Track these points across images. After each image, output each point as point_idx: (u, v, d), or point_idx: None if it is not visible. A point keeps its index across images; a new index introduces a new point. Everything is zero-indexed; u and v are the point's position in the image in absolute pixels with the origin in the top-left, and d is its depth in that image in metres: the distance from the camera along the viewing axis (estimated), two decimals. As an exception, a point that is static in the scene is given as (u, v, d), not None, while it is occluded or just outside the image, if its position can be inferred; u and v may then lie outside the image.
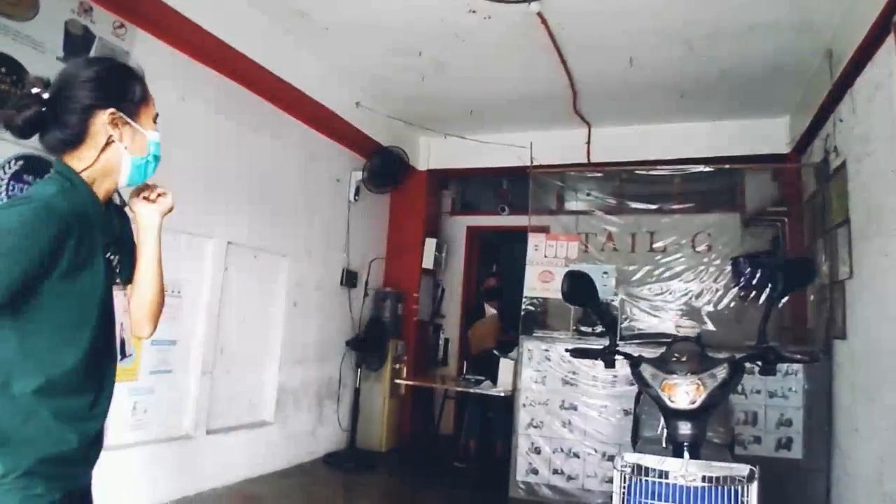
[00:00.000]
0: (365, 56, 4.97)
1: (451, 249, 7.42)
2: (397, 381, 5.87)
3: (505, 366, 5.19)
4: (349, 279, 6.07)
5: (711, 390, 1.88)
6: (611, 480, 4.56)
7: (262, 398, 5.12)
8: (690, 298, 5.37)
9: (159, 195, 1.59)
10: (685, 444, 1.90)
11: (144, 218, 1.56)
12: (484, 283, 6.52)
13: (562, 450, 4.80)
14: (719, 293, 5.44)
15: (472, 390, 5.21)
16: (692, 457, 1.89)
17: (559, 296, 5.14)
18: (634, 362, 2.04)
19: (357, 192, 6.16)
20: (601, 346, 2.21)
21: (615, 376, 4.75)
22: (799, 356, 1.95)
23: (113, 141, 1.42)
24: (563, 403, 4.82)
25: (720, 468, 1.68)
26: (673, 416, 1.92)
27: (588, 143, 6.24)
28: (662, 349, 2.14)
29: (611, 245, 6.04)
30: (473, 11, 4.14)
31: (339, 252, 6.00)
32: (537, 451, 4.84)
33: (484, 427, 5.88)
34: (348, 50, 4.89)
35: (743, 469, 1.68)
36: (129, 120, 1.45)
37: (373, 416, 6.13)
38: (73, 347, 1.35)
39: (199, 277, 4.41)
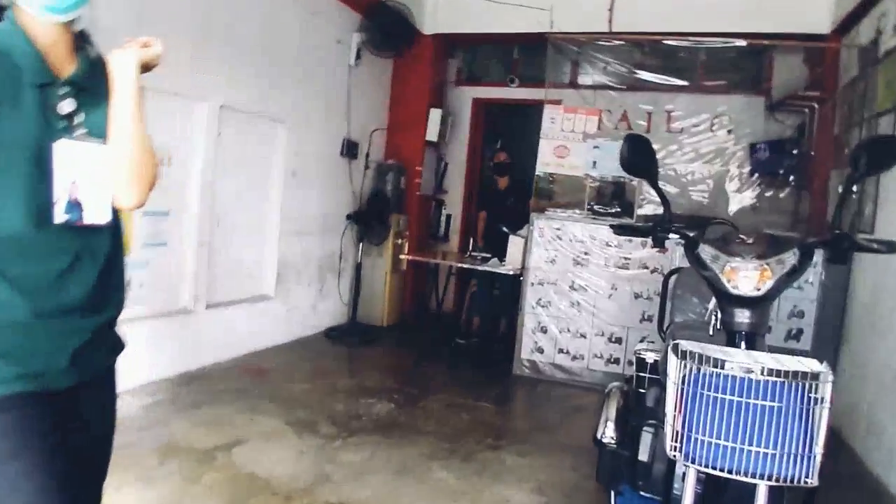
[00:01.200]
0: None
1: (456, 122, 7.02)
2: (401, 256, 5.70)
3: (514, 243, 5.00)
4: (350, 150, 5.75)
5: (779, 277, 1.66)
6: (615, 361, 4.64)
7: (262, 272, 4.96)
8: (714, 182, 5.10)
9: (144, 45, 1.34)
10: (743, 332, 1.72)
11: (115, 65, 1.30)
12: (493, 157, 6.19)
13: (568, 330, 4.73)
14: (741, 179, 5.19)
15: (479, 268, 5.05)
16: (749, 348, 1.71)
17: (574, 172, 4.99)
18: (691, 242, 1.81)
19: (358, 56, 5.69)
20: (650, 224, 1.96)
21: (627, 258, 4.59)
22: (876, 245, 1.71)
23: None
24: (573, 284, 4.69)
25: (791, 361, 1.50)
26: (733, 302, 1.72)
27: (611, 9, 5.71)
28: (692, 232, 1.90)
29: (625, 124, 5.71)
30: None
31: (339, 120, 5.63)
32: (543, 330, 4.77)
33: (488, 304, 5.80)
34: None
35: (816, 364, 1.50)
36: None
37: (374, 291, 6.03)
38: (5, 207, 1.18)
39: (190, 144, 4.10)
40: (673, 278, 2.83)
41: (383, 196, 5.98)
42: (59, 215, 1.25)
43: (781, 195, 5.39)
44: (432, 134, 6.41)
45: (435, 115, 6.41)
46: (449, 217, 7.15)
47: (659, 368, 2.59)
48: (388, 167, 6.20)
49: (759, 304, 1.72)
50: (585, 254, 4.65)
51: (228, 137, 4.39)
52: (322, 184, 5.48)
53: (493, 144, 7.68)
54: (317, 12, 5.11)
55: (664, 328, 2.81)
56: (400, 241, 6.14)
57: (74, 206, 1.27)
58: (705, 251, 1.79)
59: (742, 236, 1.79)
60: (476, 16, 6.03)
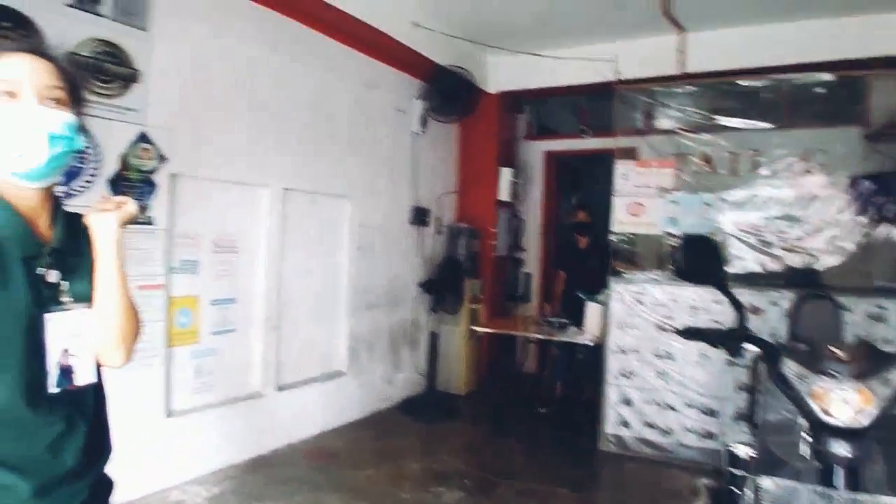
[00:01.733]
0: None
1: (529, 177, 6.85)
2: (475, 328, 5.49)
3: (592, 310, 4.70)
4: (419, 216, 5.67)
5: (884, 404, 1.36)
6: (710, 436, 4.19)
7: (333, 348, 4.89)
8: (804, 228, 4.61)
9: (119, 204, 1.35)
10: (842, 468, 1.41)
11: (97, 228, 1.33)
12: (573, 215, 5.92)
13: (655, 402, 4.35)
14: (842, 223, 4.66)
15: (555, 338, 4.76)
16: (850, 486, 1.40)
17: (651, 230, 4.66)
18: (771, 355, 1.53)
19: (423, 123, 5.65)
20: (723, 329, 1.69)
21: (716, 322, 4.18)
22: None
23: None
24: (657, 351, 4.33)
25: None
26: (827, 432, 1.42)
27: (681, 50, 5.41)
28: (773, 291, 1.60)
29: (707, 169, 5.31)
30: None
31: (406, 188, 5.57)
32: (627, 402, 4.42)
33: (570, 371, 5.48)
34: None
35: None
36: None
37: (451, 359, 5.85)
38: None
39: (255, 230, 4.12)
40: (761, 365, 2.49)
41: (456, 261, 5.84)
42: (53, 386, 1.24)
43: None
44: (504, 193, 6.26)
45: (506, 173, 6.26)
46: (528, 276, 6.91)
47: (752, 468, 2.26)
48: (459, 230, 6.07)
49: (861, 435, 1.41)
50: (669, 318, 4.29)
51: (293, 219, 4.40)
52: (391, 254, 5.40)
53: (570, 198, 7.45)
54: (372, 84, 5.11)
55: (755, 421, 2.46)
56: (475, 306, 5.96)
57: (66, 372, 1.27)
58: (790, 367, 1.51)
59: (834, 349, 1.48)
60: (539, 70, 5.87)
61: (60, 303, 1.27)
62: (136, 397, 3.29)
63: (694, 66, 5.31)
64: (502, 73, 6.22)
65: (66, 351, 1.27)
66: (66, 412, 1.25)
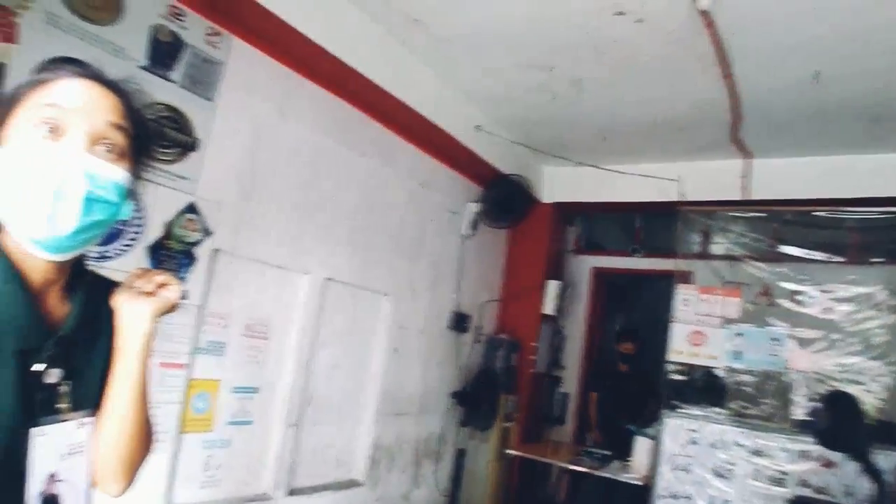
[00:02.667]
0: (488, 72, 4.33)
1: (574, 292, 6.57)
2: (507, 451, 5.05)
3: (641, 445, 4.27)
4: (458, 323, 5.40)
5: None
6: None
7: (353, 455, 4.51)
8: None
9: (160, 286, 1.03)
10: None
11: (126, 318, 1.00)
12: (619, 342, 5.59)
13: (709, 559, 3.83)
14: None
15: (597, 473, 4.30)
16: None
17: (712, 363, 4.30)
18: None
19: (473, 226, 5.51)
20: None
21: (783, 473, 3.75)
22: None
23: None
24: (713, 501, 3.86)
25: None
26: None
27: (745, 177, 5.25)
28: None
29: (765, 299, 4.99)
30: (622, 13, 3.39)
31: (448, 292, 5.35)
32: (677, 556, 3.91)
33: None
34: (470, 65, 4.27)
35: None
36: None
37: (476, 479, 5.39)
38: None
39: (288, 317, 3.90)
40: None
41: (493, 374, 5.50)
42: None
43: None
44: (549, 307, 5.97)
45: (552, 286, 6.00)
46: (565, 396, 6.50)
47: None
48: (499, 342, 5.76)
49: None
50: (730, 464, 3.85)
51: (330, 311, 4.18)
52: (426, 359, 5.10)
53: (614, 317, 7.14)
54: (427, 183, 5.02)
55: None
56: (508, 424, 5.55)
57: (48, 503, 0.92)
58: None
59: None
60: (596, 184, 5.75)
61: (55, 411, 0.93)
62: (135, 485, 2.97)
63: (758, 193, 5.12)
64: (558, 184, 6.12)
65: (52, 476, 0.92)
66: None
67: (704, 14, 3.27)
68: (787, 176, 5.01)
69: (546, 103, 4.63)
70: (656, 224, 6.56)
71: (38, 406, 0.91)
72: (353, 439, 4.50)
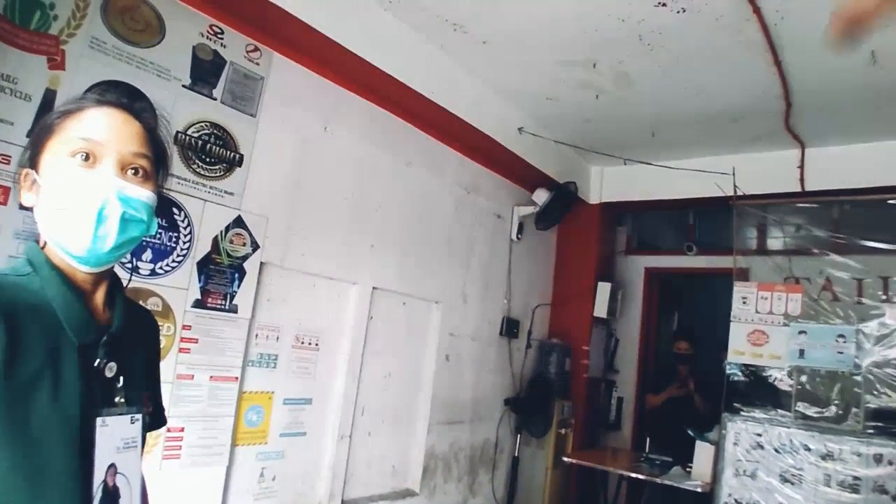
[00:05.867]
0: (529, 72, 4.27)
1: (627, 294, 6.41)
2: (564, 458, 4.92)
3: (702, 450, 4.11)
4: (510, 328, 5.33)
5: None
6: None
7: (407, 464, 4.49)
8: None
9: None
10: None
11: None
12: (673, 344, 5.41)
13: (778, 569, 3.65)
14: None
15: (657, 480, 4.15)
16: None
17: (775, 363, 4.11)
18: None
19: (520, 230, 5.44)
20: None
21: (856, 478, 3.55)
22: None
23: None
24: (783, 508, 3.68)
25: None
26: None
27: (801, 167, 5.02)
28: None
29: (829, 294, 4.75)
30: (663, 4, 3.29)
31: (498, 298, 5.29)
32: (744, 565, 3.74)
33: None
34: (510, 66, 4.21)
35: None
36: (32, 172, 1.03)
37: (533, 488, 5.30)
38: None
39: (339, 327, 3.90)
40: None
41: (546, 379, 5.40)
42: None
43: None
44: (601, 309, 5.83)
45: (603, 288, 5.87)
46: (620, 400, 6.33)
47: None
48: (551, 346, 5.66)
49: None
50: (798, 469, 3.67)
51: (379, 320, 4.17)
52: (478, 366, 5.05)
53: (669, 318, 6.95)
54: (473, 189, 4.98)
55: None
56: (563, 430, 5.44)
57: (111, 496, 0.98)
58: None
59: None
60: (647, 182, 5.60)
61: (114, 404, 1.01)
62: (190, 498, 3.01)
63: (815, 184, 4.89)
64: (606, 183, 5.99)
65: (112, 467, 0.98)
66: None
67: (751, 0, 3.14)
68: (844, 164, 4.76)
69: (591, 101, 4.53)
70: (710, 220, 6.35)
71: (99, 398, 0.99)
72: (407, 448, 4.48)
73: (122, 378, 1.04)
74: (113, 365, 1.02)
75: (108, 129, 1.01)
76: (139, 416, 1.07)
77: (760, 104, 4.29)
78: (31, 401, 0.89)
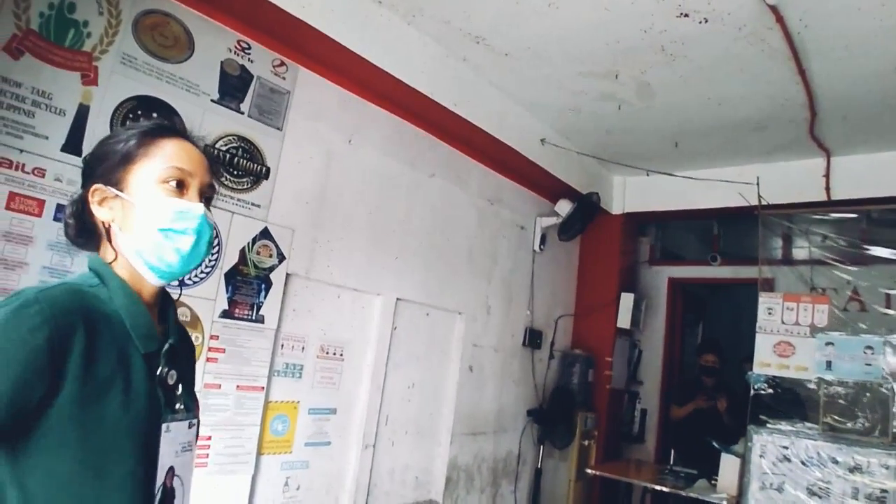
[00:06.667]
0: (551, 83, 4.29)
1: (650, 304, 6.37)
2: (587, 470, 4.88)
3: (728, 463, 4.06)
4: (532, 339, 5.33)
5: None
6: None
7: (430, 475, 4.49)
8: None
9: None
10: None
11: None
12: (701, 354, 5.36)
13: (807, 586, 3.59)
14: None
15: (682, 492, 4.10)
16: None
17: (802, 374, 4.06)
18: None
19: (543, 241, 5.45)
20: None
21: (884, 491, 3.48)
22: None
23: (109, 225, 1.11)
24: (811, 523, 3.62)
25: None
26: None
27: (826, 175, 4.97)
28: None
29: (856, 304, 4.69)
30: (685, 15, 3.30)
31: (521, 309, 5.29)
32: (772, 581, 3.68)
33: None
34: (532, 77, 4.24)
35: None
36: (116, 191, 1.10)
37: (555, 499, 5.28)
38: None
39: (363, 338, 3.94)
40: None
41: (569, 390, 5.38)
42: None
43: None
44: (624, 320, 5.80)
45: (626, 299, 5.84)
46: (644, 412, 6.29)
47: None
48: (574, 357, 5.64)
49: None
50: (825, 482, 3.61)
51: (403, 331, 4.20)
52: (500, 377, 5.04)
53: (694, 330, 6.89)
54: (496, 200, 5.00)
55: None
56: (587, 442, 5.40)
57: (168, 497, 1.06)
58: None
59: None
60: (670, 192, 5.58)
61: (175, 411, 1.09)
62: (218, 508, 3.05)
63: (841, 193, 4.83)
64: (629, 194, 5.98)
65: (171, 470, 1.05)
66: None
67: (773, 8, 3.13)
68: (871, 172, 4.70)
69: (613, 112, 4.53)
70: (735, 230, 6.31)
71: (164, 404, 1.07)
72: (430, 459, 4.48)
73: (180, 386, 1.12)
74: (174, 373, 1.10)
75: (190, 160, 1.13)
76: (195, 421, 1.16)
77: (784, 113, 4.27)
78: (103, 404, 0.95)
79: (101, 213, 1.11)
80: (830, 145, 4.75)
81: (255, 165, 3.18)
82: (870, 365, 3.81)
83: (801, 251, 5.41)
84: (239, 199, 3.11)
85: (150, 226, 1.08)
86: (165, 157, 1.11)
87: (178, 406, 1.10)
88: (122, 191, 1.09)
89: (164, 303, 1.18)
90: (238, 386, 3.10)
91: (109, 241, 1.11)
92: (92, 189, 1.10)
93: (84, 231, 1.13)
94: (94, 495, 0.93)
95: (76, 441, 0.92)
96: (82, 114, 2.55)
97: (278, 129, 3.30)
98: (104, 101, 2.62)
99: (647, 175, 5.51)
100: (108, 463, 0.95)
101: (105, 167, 1.11)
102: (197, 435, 1.18)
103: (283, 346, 3.40)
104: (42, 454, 0.90)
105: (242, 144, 3.12)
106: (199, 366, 2.95)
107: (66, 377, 0.91)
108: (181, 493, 1.09)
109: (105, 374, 0.96)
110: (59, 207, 2.45)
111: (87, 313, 0.97)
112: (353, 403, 3.87)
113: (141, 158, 1.10)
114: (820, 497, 3.63)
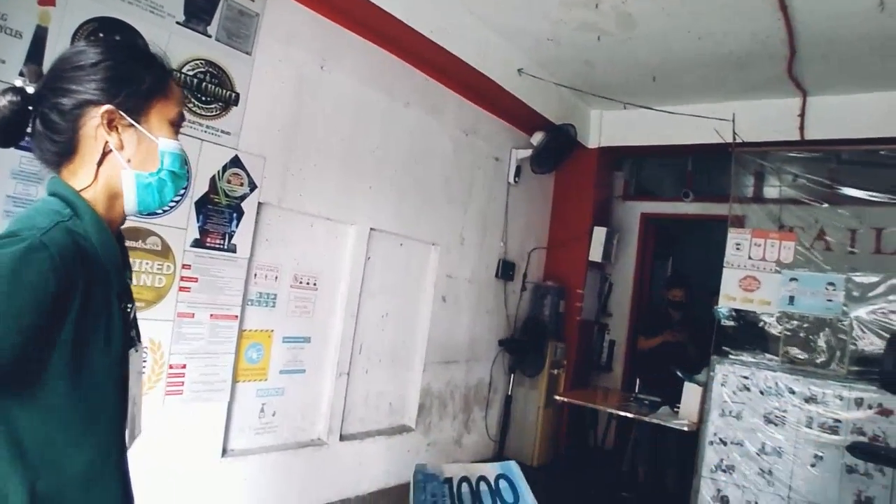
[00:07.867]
0: (530, 12, 4.18)
1: (622, 239, 6.45)
2: (556, 396, 5.04)
3: (690, 391, 4.23)
4: (505, 271, 5.39)
5: None
6: None
7: (403, 402, 4.61)
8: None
9: None
10: None
11: None
12: (669, 289, 5.46)
13: (757, 503, 3.81)
14: None
15: (646, 419, 4.28)
16: None
17: (765, 308, 4.19)
18: None
19: (518, 174, 5.43)
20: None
21: (837, 421, 3.66)
22: None
23: (111, 150, 1.05)
24: (764, 447, 3.81)
25: None
26: None
27: (801, 115, 4.98)
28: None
29: (822, 243, 4.79)
30: (672, -56, 3.21)
31: (495, 241, 5.32)
32: (724, 500, 3.90)
33: (653, 454, 4.97)
34: (511, 5, 4.12)
35: None
36: (131, 121, 1.06)
37: (525, 427, 5.46)
38: (86, 445, 0.98)
39: (337, 267, 3.95)
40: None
41: (540, 321, 5.49)
42: (129, 440, 1.11)
43: None
44: (596, 253, 5.88)
45: (599, 233, 5.90)
46: (613, 343, 6.47)
47: None
48: (546, 289, 5.74)
49: None
50: (782, 411, 3.78)
51: (376, 261, 4.22)
52: (474, 308, 5.13)
53: (663, 264, 7.01)
54: (472, 131, 4.95)
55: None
56: (556, 371, 5.57)
57: (129, 420, 1.12)
58: None
59: None
60: (646, 127, 5.57)
61: (135, 342, 1.11)
62: (192, 432, 3.11)
63: (815, 132, 4.86)
64: (605, 128, 5.95)
65: (133, 399, 1.10)
66: (123, 468, 1.08)
67: (761, -61, 3.06)
68: (846, 113, 4.73)
69: (592, 43, 4.45)
70: (708, 167, 6.34)
71: (129, 339, 1.08)
72: (404, 386, 4.59)
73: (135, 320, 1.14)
74: (133, 307, 1.11)
75: (180, 102, 1.16)
76: (144, 346, 1.17)
77: (764, 50, 4.23)
78: (91, 346, 0.96)
79: (109, 137, 1.05)
80: (808, 85, 4.75)
81: (224, 91, 3.09)
82: (830, 301, 3.94)
83: (772, 190, 5.44)
84: (208, 126, 3.03)
85: (163, 166, 1.10)
86: (177, 99, 1.13)
87: (132, 334, 1.11)
88: (139, 123, 1.07)
89: (119, 233, 1.16)
90: (212, 315, 3.11)
91: (99, 164, 1.05)
92: (105, 109, 1.03)
93: (68, 143, 1.05)
94: (83, 432, 0.97)
95: (72, 385, 0.94)
96: (40, 36, 2.43)
97: (247, 53, 3.19)
98: (63, 22, 2.50)
99: (625, 108, 5.47)
100: (97, 400, 0.98)
101: (129, 92, 1.06)
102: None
103: (256, 275, 3.40)
104: (44, 397, 0.92)
105: (210, 69, 3.01)
106: (172, 295, 2.95)
107: (66, 323, 0.92)
108: (138, 416, 1.14)
109: (94, 316, 0.97)
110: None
111: (83, 259, 0.96)
112: (327, 332, 3.92)
113: (161, 96, 1.10)
114: (776, 424, 3.82)
